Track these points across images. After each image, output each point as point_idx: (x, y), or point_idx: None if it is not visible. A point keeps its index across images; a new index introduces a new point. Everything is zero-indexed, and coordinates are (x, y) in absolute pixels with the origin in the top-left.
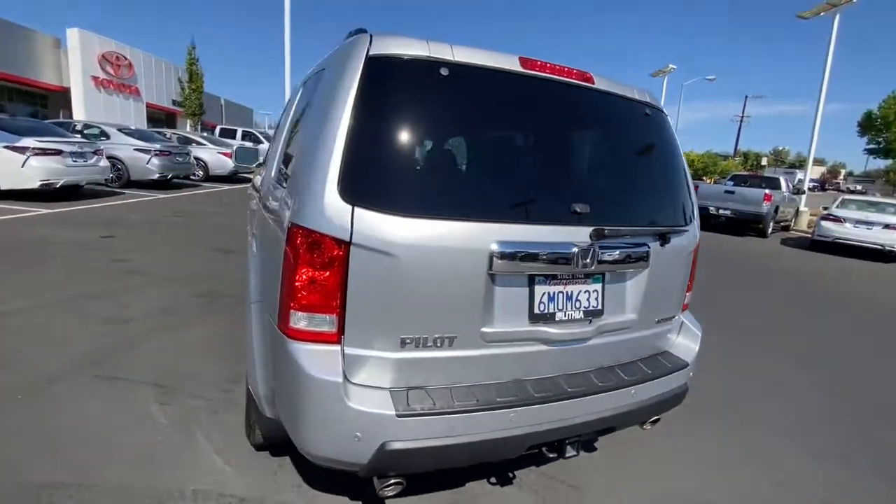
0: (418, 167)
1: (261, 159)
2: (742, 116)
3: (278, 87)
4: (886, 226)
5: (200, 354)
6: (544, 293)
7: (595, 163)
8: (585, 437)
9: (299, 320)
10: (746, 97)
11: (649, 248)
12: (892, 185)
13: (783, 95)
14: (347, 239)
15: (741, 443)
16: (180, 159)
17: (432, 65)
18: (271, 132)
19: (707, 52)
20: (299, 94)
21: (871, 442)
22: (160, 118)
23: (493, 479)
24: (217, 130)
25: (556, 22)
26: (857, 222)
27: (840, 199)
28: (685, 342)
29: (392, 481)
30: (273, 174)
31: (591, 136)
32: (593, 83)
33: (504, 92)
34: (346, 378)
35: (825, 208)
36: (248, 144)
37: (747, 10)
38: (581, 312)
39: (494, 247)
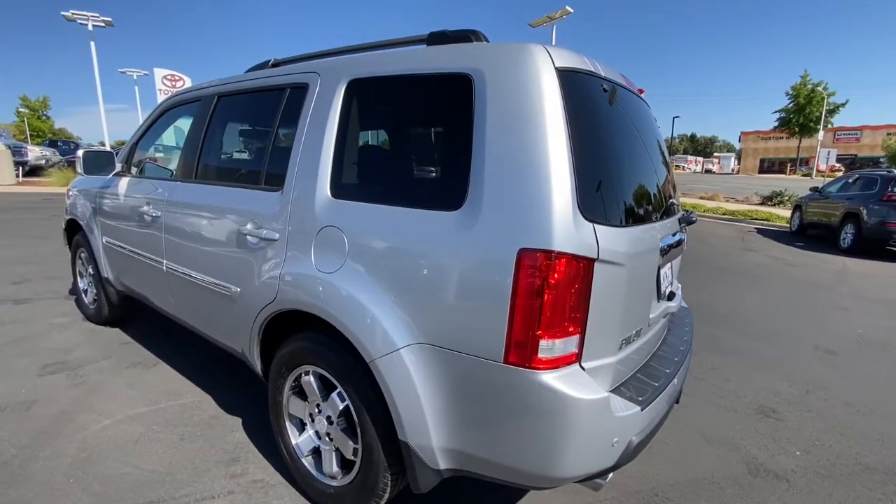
0: (616, 178)
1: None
2: None
3: None
4: None
5: None
6: (665, 275)
7: (654, 161)
8: None
9: (547, 349)
10: None
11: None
12: None
13: None
14: (595, 256)
15: None
16: None
17: (599, 80)
18: None
19: None
20: (337, 104)
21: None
22: None
23: None
24: None
25: None
26: None
27: None
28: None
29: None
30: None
31: (647, 136)
32: (643, 93)
33: (625, 104)
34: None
35: None
36: (99, 147)
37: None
38: (671, 287)
39: (661, 243)
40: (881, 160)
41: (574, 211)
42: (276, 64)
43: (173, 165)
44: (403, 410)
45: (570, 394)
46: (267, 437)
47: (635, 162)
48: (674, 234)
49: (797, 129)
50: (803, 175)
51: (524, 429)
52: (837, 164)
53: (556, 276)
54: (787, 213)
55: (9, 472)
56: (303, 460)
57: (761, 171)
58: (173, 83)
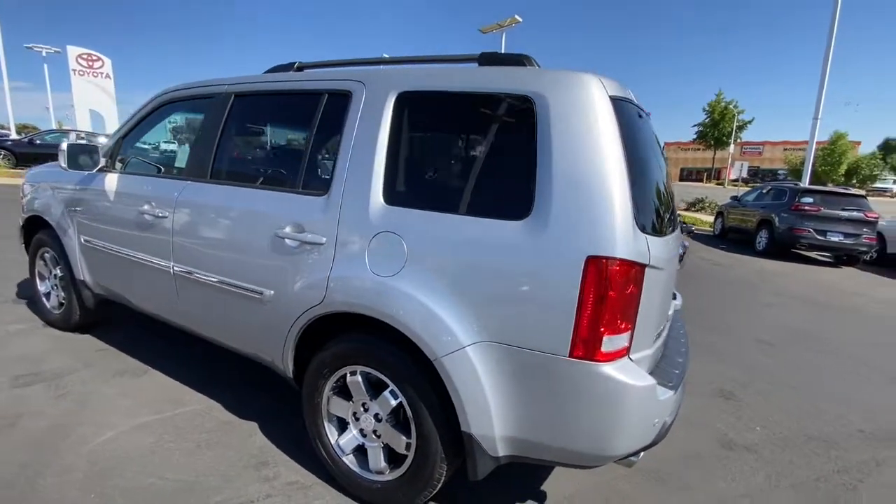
0: (650, 193)
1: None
2: None
3: None
4: None
5: None
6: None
7: (665, 177)
8: None
9: (608, 343)
10: None
11: None
12: None
13: None
14: (647, 262)
15: None
16: None
17: (634, 106)
18: None
19: None
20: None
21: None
22: None
23: None
24: None
25: None
26: None
27: None
28: None
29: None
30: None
31: (658, 155)
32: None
33: (645, 126)
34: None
35: None
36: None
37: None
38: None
39: (681, 249)
40: (780, 172)
41: (632, 223)
42: (301, 68)
43: (179, 163)
44: (468, 403)
45: (628, 382)
46: (290, 439)
47: (657, 178)
48: (684, 242)
49: (712, 142)
50: (717, 184)
51: (584, 414)
52: (745, 176)
53: (618, 279)
54: (709, 217)
55: (18, 491)
56: (344, 459)
57: (681, 179)
58: (90, 64)
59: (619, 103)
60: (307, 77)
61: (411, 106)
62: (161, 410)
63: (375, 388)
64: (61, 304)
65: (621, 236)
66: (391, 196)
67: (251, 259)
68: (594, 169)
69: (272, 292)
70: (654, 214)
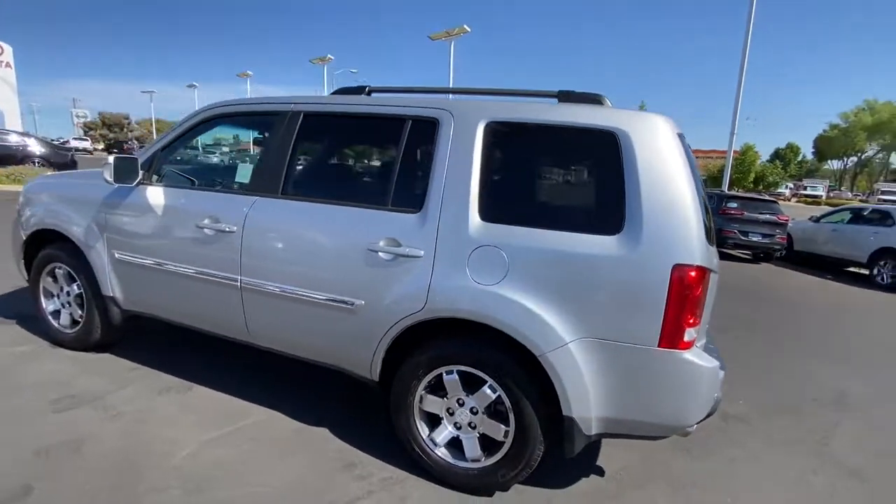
0: (703, 210)
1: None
2: None
3: None
4: None
5: None
6: None
7: None
8: None
9: (687, 335)
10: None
11: None
12: None
13: None
14: (713, 268)
15: None
16: None
17: (684, 139)
18: None
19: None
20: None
21: None
22: None
23: None
24: None
25: None
26: None
27: None
28: None
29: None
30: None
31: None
32: None
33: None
34: None
35: None
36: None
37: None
38: None
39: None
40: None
41: (705, 237)
42: (371, 91)
43: (241, 178)
44: (570, 391)
45: (702, 364)
46: (366, 441)
47: (703, 196)
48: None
49: None
50: None
51: (667, 393)
52: None
53: (695, 282)
54: None
55: None
56: (437, 451)
57: None
58: None
59: (680, 137)
60: (389, 103)
61: (500, 134)
62: (227, 424)
63: (469, 385)
64: (75, 323)
65: (697, 247)
66: (488, 214)
67: (339, 271)
68: (674, 192)
69: (362, 302)
70: (707, 227)
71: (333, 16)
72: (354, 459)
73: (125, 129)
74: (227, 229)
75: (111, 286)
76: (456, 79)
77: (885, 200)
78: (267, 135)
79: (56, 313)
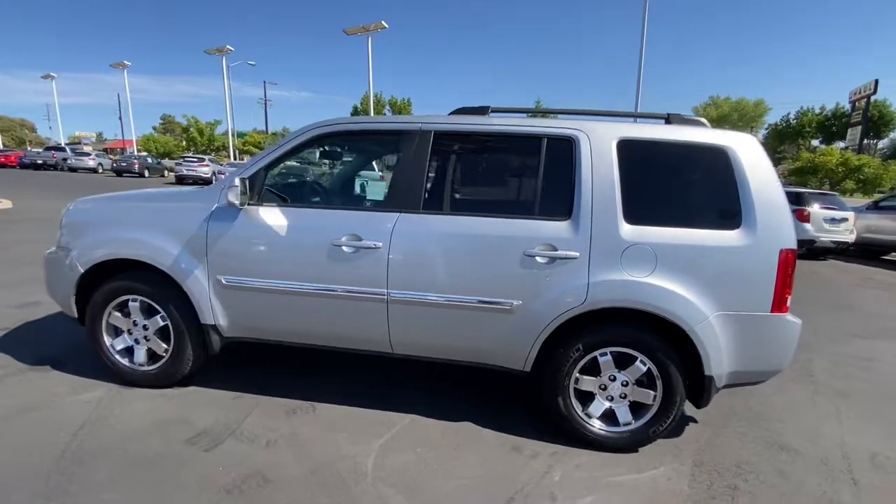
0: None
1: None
2: (265, 100)
3: None
4: None
5: None
6: None
7: None
8: None
9: (787, 301)
10: (265, 82)
11: None
12: None
13: (297, 87)
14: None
15: None
16: None
17: None
18: None
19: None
20: (614, 155)
21: None
22: None
23: None
24: None
25: None
26: None
27: None
28: None
29: None
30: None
31: None
32: None
33: None
34: None
35: None
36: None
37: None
38: None
39: None
40: None
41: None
42: (494, 111)
43: (372, 195)
44: (712, 355)
45: (796, 321)
46: (512, 426)
47: None
48: None
49: None
50: None
51: (774, 346)
52: None
53: (794, 261)
54: None
55: None
56: (592, 422)
57: None
58: None
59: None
60: (523, 123)
61: (631, 150)
62: (381, 432)
63: (619, 363)
64: (153, 358)
65: (792, 234)
66: (632, 217)
67: (493, 276)
68: (773, 192)
69: (519, 302)
70: None
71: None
72: (515, 444)
73: None
74: (372, 245)
75: (213, 314)
76: (371, 74)
77: None
78: (399, 153)
79: (127, 351)
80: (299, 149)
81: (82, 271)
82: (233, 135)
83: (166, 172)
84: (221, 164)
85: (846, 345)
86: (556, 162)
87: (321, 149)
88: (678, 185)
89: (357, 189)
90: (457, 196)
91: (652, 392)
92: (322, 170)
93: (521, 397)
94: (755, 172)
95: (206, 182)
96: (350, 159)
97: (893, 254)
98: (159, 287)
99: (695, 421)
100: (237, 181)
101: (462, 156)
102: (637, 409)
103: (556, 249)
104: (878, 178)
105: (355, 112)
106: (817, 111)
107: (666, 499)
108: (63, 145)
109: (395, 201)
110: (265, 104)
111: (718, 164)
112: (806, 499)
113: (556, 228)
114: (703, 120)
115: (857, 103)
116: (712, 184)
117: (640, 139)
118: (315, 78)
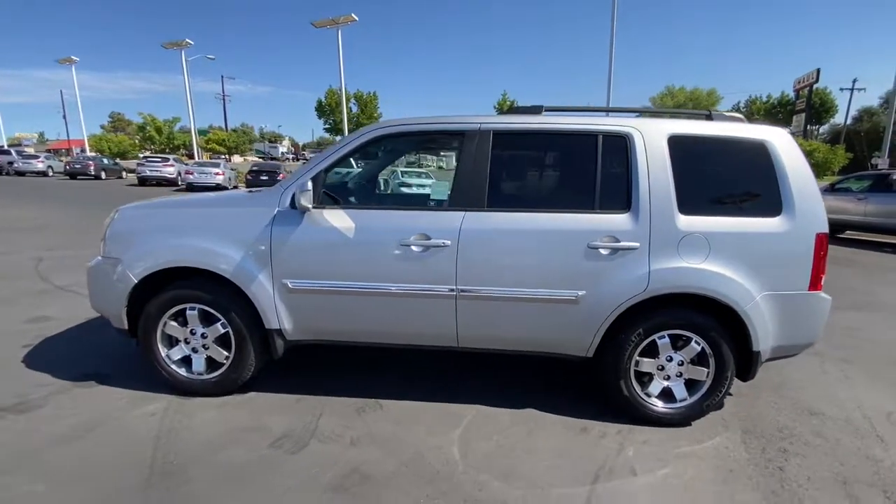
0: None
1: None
2: (224, 95)
3: None
4: None
5: None
6: None
7: None
8: None
9: (822, 280)
10: (223, 77)
11: None
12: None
13: (255, 81)
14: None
15: None
16: None
17: None
18: None
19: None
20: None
21: None
22: None
23: None
24: None
25: None
26: None
27: None
28: None
29: None
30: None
31: None
32: None
33: None
34: None
35: None
36: None
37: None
38: None
39: None
40: None
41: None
42: (549, 110)
43: (437, 195)
44: (760, 332)
45: (829, 298)
46: (572, 409)
47: None
48: None
49: None
50: None
51: (811, 320)
52: None
53: (827, 243)
54: None
55: None
56: (650, 401)
57: None
58: None
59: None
60: (579, 122)
61: (681, 145)
62: (455, 424)
63: (674, 345)
64: (213, 366)
65: (825, 219)
66: (686, 208)
67: (559, 269)
68: (807, 180)
69: (583, 293)
70: None
71: None
72: (582, 426)
73: None
74: (441, 244)
75: (279, 318)
76: (342, 68)
77: None
78: (460, 152)
79: (184, 360)
80: (359, 150)
81: (136, 282)
82: (195, 133)
83: (125, 174)
84: (187, 164)
85: (830, 317)
86: (612, 158)
87: (380, 149)
88: (724, 177)
89: (413, 188)
90: (519, 193)
91: (705, 369)
92: (361, 171)
93: (572, 379)
94: (791, 163)
95: (171, 183)
96: (394, 158)
97: (848, 232)
98: (220, 294)
99: (730, 394)
100: (309, 184)
101: (521, 154)
102: (690, 385)
103: (618, 241)
104: (827, 162)
105: (320, 106)
106: (765, 100)
107: (731, 465)
108: (7, 147)
109: (459, 200)
110: (223, 100)
111: (759, 156)
112: (846, 454)
113: (617, 221)
114: (741, 116)
115: (800, 91)
116: (754, 174)
117: (688, 135)
118: (275, 72)
